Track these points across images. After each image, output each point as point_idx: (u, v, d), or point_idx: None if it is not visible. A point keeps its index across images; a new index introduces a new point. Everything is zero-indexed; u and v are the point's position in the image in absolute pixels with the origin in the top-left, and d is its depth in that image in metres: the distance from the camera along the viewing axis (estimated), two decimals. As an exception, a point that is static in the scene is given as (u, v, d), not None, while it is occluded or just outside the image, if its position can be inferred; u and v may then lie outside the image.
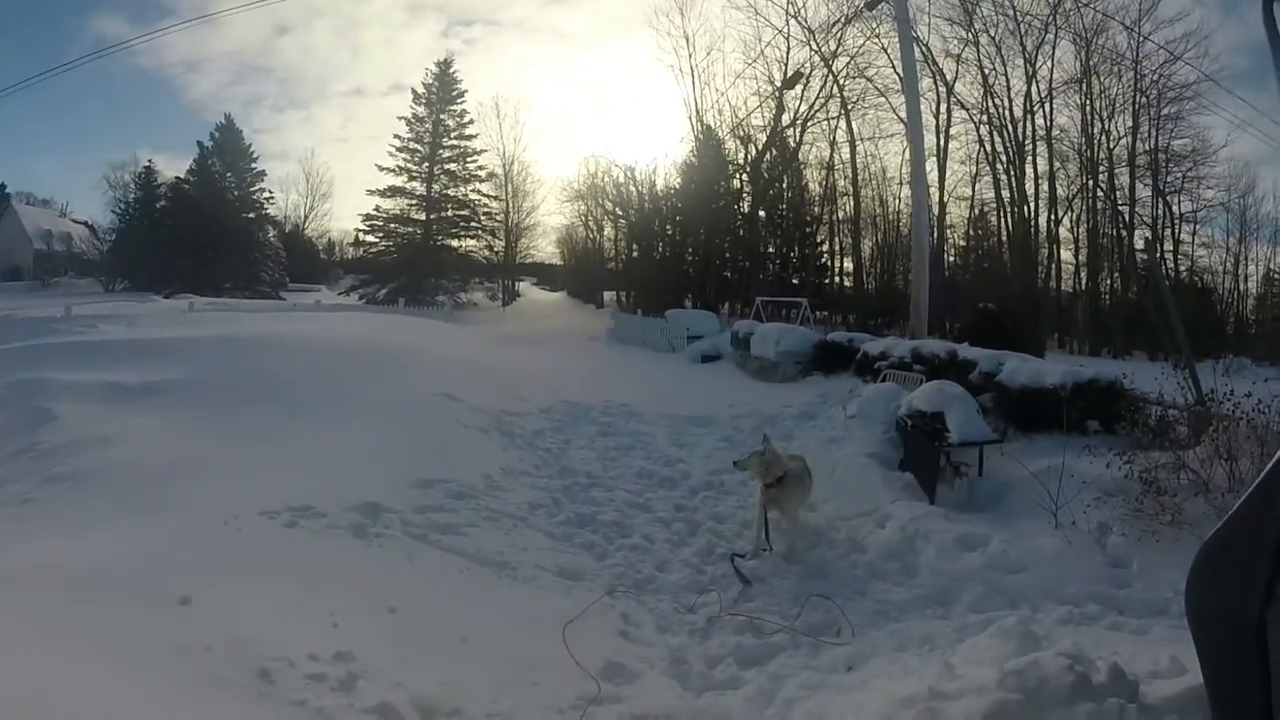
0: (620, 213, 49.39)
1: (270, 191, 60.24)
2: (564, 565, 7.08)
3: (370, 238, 54.47)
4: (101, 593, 4.84)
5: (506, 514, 8.15)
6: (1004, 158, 39.93)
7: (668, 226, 46.10)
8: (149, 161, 58.20)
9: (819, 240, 45.23)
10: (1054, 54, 38.49)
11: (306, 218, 70.05)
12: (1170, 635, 5.14)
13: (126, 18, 76.59)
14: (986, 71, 39.38)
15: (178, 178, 57.19)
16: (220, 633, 4.43)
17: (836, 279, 45.45)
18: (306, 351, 14.68)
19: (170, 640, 4.30)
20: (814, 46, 38.35)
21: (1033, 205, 39.66)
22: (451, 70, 53.77)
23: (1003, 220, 40.86)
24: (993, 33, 38.85)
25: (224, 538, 6.42)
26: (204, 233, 51.12)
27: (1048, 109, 39.28)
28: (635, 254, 48.70)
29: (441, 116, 53.26)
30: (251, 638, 4.46)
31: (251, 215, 57.85)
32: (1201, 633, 1.76)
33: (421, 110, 53.39)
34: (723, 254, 43.56)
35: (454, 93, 53.44)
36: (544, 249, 64.61)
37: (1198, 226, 41.02)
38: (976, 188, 42.06)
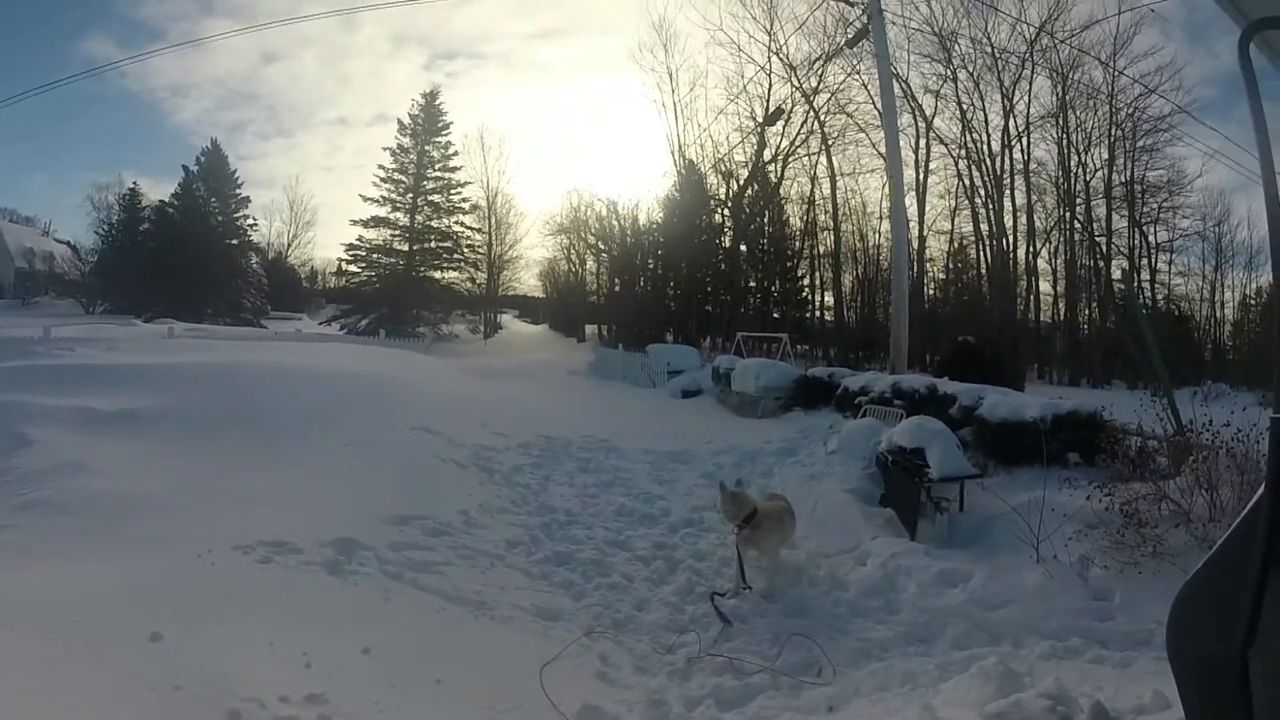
0: (603, 246, 49.70)
1: (254, 218, 60.78)
2: (541, 605, 6.99)
3: (353, 267, 54.44)
4: (69, 628, 4.73)
5: (484, 552, 8.07)
6: (982, 191, 40.55)
7: (650, 260, 46.33)
8: (134, 184, 58.77)
9: (800, 274, 45.63)
10: (1031, 89, 39.29)
11: (289, 245, 70.37)
12: (1154, 668, 5.09)
13: (115, 41, 76.84)
14: (965, 107, 40.09)
15: (162, 201, 57.41)
16: (190, 671, 4.35)
17: (817, 313, 45.79)
18: (285, 382, 14.57)
19: (138, 678, 4.22)
20: (795, 83, 38.83)
21: (1011, 238, 40.34)
22: (437, 102, 54.17)
23: (981, 253, 41.40)
24: (971, 69, 39.59)
25: (197, 572, 6.30)
26: (186, 257, 51.12)
27: (1025, 143, 40.00)
28: (617, 288, 48.88)
29: (426, 148, 53.50)
30: (222, 677, 4.38)
31: (235, 241, 58.03)
32: (1184, 672, 1.73)
33: (406, 141, 53.66)
34: (704, 288, 43.70)
35: (439, 124, 53.71)
36: (526, 282, 64.96)
37: (1174, 255, 42.11)
38: (955, 221, 42.70)
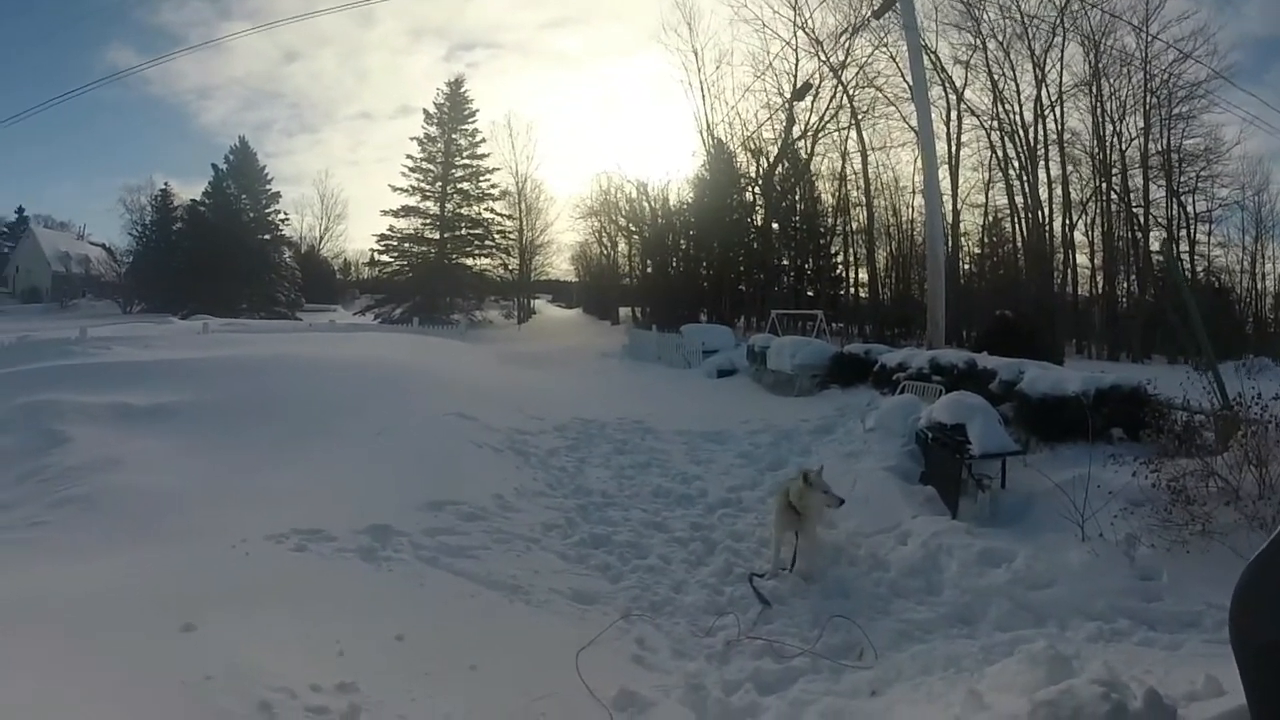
0: (634, 228, 49.48)
1: (285, 213, 61.00)
2: (578, 588, 6.92)
3: (385, 257, 54.71)
4: (103, 620, 4.77)
5: (519, 536, 8.01)
6: (1016, 163, 39.75)
7: (681, 241, 46.09)
8: (165, 184, 59.19)
9: (833, 252, 45.07)
10: (1062, 57, 38.35)
11: (321, 238, 70.77)
12: (1204, 651, 4.92)
13: (136, 49, 77.94)
14: (995, 77, 39.27)
15: (193, 200, 57.99)
16: (222, 661, 4.33)
17: (851, 290, 45.29)
18: (320, 372, 14.65)
19: (170, 669, 4.20)
20: (822, 57, 38.31)
21: (1046, 210, 39.40)
22: (462, 90, 54.14)
23: (1017, 226, 40.62)
24: (1000, 37, 38.69)
25: (230, 562, 6.33)
26: (220, 254, 51.63)
27: (1058, 113, 39.13)
28: (649, 269, 48.69)
29: (453, 136, 53.52)
30: (254, 667, 4.36)
31: (267, 236, 58.48)
32: (1250, 661, 1.62)
33: (433, 130, 53.70)
34: (737, 268, 43.50)
35: (465, 112, 53.72)
36: (558, 266, 64.98)
37: (1213, 226, 40.93)
38: (989, 194, 41.90)
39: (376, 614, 5.67)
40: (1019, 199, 39.84)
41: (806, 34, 38.96)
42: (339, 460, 9.76)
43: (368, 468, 9.50)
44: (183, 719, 3.79)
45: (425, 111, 54.32)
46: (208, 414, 11.37)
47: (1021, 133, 39.24)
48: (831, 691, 5.12)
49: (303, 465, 9.52)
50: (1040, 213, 39.16)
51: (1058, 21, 37.13)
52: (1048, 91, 38.70)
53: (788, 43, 39.51)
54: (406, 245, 53.90)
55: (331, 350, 18.58)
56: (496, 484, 9.49)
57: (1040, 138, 39.19)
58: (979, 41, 38.93)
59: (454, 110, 53.61)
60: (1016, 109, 39.24)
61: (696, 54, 42.29)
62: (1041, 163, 39.34)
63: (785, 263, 44.61)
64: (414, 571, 6.71)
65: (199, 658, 4.35)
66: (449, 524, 7.91)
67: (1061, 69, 38.52)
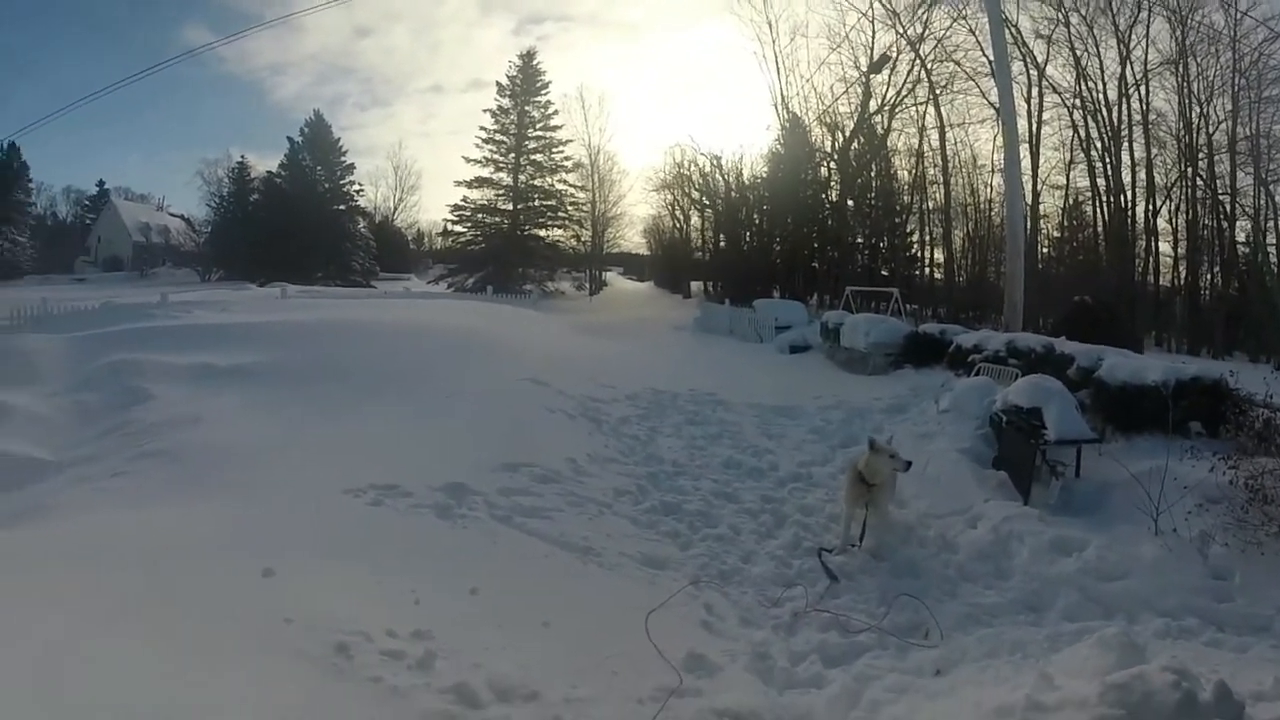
0: (707, 202, 49.12)
1: (360, 184, 61.53)
2: (648, 553, 7.00)
3: (458, 228, 54.99)
4: (184, 565, 4.93)
5: (591, 499, 8.11)
6: (1099, 144, 37.90)
7: (755, 216, 45.52)
8: (241, 158, 60.21)
9: (909, 230, 44.10)
10: (1148, 33, 36.48)
11: (395, 209, 71.50)
12: (1273, 656, 4.90)
13: (210, 28, 79.78)
14: (1078, 53, 37.49)
15: (269, 172, 58.87)
16: (300, 606, 4.48)
17: (926, 270, 44.46)
18: (394, 337, 14.91)
19: (250, 611, 4.36)
20: (899, 29, 37.38)
21: (1129, 194, 37.81)
22: (535, 62, 53.88)
23: (1098, 210, 38.92)
24: (1083, 11, 37.01)
25: (308, 514, 6.53)
26: (296, 224, 52.52)
27: (1143, 92, 37.10)
28: (722, 243, 48.34)
29: (526, 108, 53.42)
30: (331, 612, 4.49)
31: (342, 207, 59.21)
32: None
33: (506, 102, 53.61)
34: (810, 244, 42.78)
35: (537, 84, 53.59)
36: (630, 239, 64.71)
37: (1303, 219, 38.97)
38: (1071, 176, 39.91)
39: (451, 568, 5.80)
40: (1101, 181, 38.19)
41: (883, 5, 37.99)
42: (416, 420, 9.94)
43: (444, 428, 9.65)
44: (261, 657, 3.90)
45: (498, 84, 54.21)
46: (285, 375, 11.65)
47: (1105, 112, 37.46)
48: (896, 668, 5.14)
49: (378, 424, 9.71)
50: (1123, 196, 37.37)
51: (1143, -6, 35.59)
52: (1132, 69, 36.82)
53: (864, 14, 38.47)
54: (480, 216, 54.11)
55: (405, 315, 18.86)
56: (569, 449, 9.60)
57: (1124, 118, 37.35)
58: (1061, 15, 37.10)
59: (526, 82, 53.52)
60: (1100, 87, 37.48)
61: (771, 25, 41.25)
62: (1125, 144, 37.66)
63: (859, 240, 43.66)
64: (488, 529, 6.85)
65: (277, 602, 4.50)
66: (523, 485, 8.04)
67: (1147, 46, 36.57)
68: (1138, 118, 37.08)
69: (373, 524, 6.56)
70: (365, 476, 7.45)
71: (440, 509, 7.03)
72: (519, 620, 5.08)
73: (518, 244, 52.17)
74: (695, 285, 52.30)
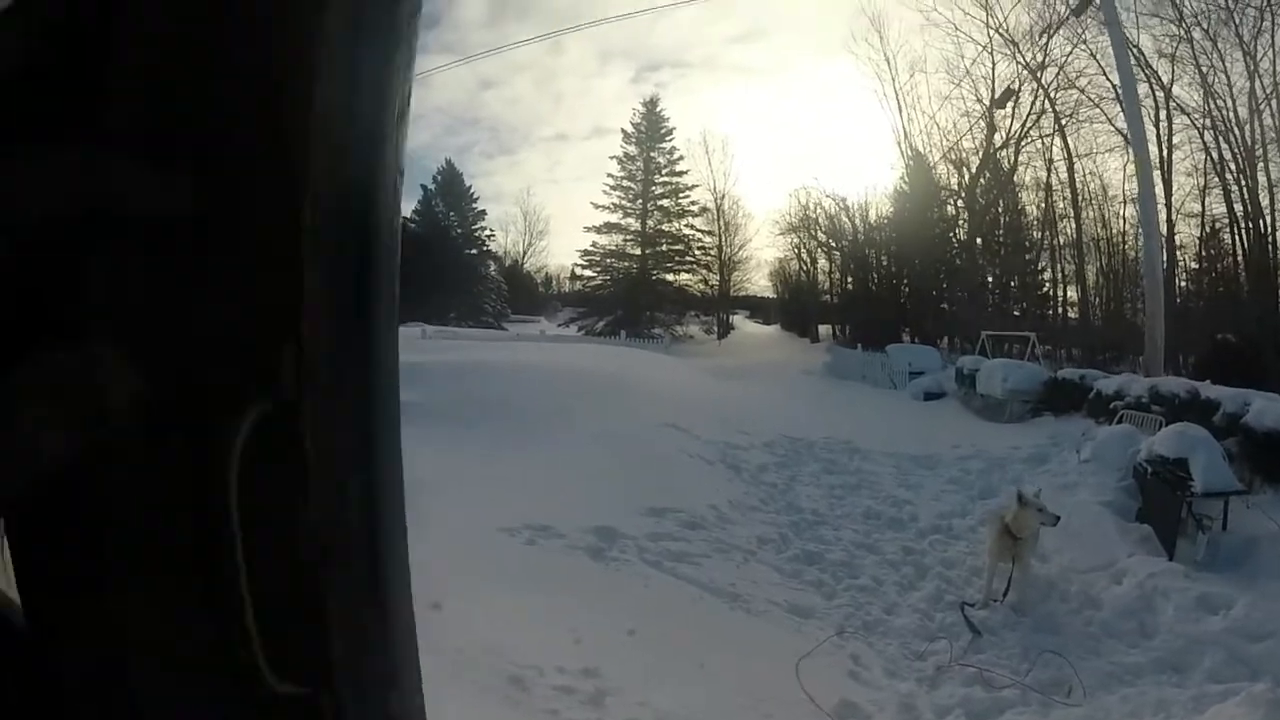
0: (833, 244, 48.85)
1: (491, 229, 63.18)
2: (794, 601, 7.06)
3: (588, 272, 56.26)
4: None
5: (737, 546, 8.22)
6: (1233, 166, 35.93)
7: (882, 257, 45.17)
8: (378, 204, 62.40)
9: (1040, 267, 42.73)
10: (1273, 42, 34.06)
11: (525, 253, 73.08)
12: None
13: None
14: (1204, 70, 35.58)
15: (405, 218, 60.68)
16: (469, 638, 4.69)
17: (1059, 309, 43.03)
18: (534, 378, 15.37)
19: (426, 639, 4.57)
20: (1019, 58, 36.44)
21: (1268, 218, 35.43)
22: (658, 109, 54.78)
23: (1236, 237, 36.57)
24: (1205, 25, 35.17)
25: (467, 551, 6.77)
26: (431, 267, 54.11)
27: (1274, 106, 35.01)
28: (850, 286, 47.98)
29: (651, 154, 54.31)
30: (499, 645, 4.71)
31: (474, 251, 60.91)
32: None
33: (632, 149, 54.62)
34: (939, 284, 42.14)
35: (662, 130, 54.41)
36: (756, 282, 64.52)
37: None
38: (1206, 201, 37.56)
39: (607, 608, 5.98)
40: (1238, 206, 36.06)
41: (1001, 35, 37.14)
42: (560, 461, 10.22)
43: (587, 469, 9.89)
44: (440, 686, 4.12)
45: (623, 131, 55.39)
46: (434, 412, 11.96)
47: (1236, 131, 35.43)
48: (1039, 725, 5.09)
49: (525, 464, 9.99)
50: (1261, 221, 35.08)
51: (1265, 2, 33.61)
52: (1261, 83, 34.43)
53: (983, 47, 37.81)
54: (609, 260, 55.24)
55: (543, 358, 19.35)
56: (711, 495, 9.75)
57: (1257, 136, 35.11)
58: (1182, 30, 35.39)
59: (650, 129, 54.47)
60: (1229, 104, 35.52)
61: (889, 61, 40.76)
62: (1260, 164, 35.43)
63: (990, 280, 42.81)
64: (639, 572, 7.03)
65: (448, 632, 4.67)
66: (670, 530, 8.20)
67: (1275, 56, 34.50)
68: (1271, 135, 34.66)
69: (529, 563, 6.83)
70: (518, 515, 7.72)
71: (592, 551, 7.25)
72: (675, 661, 5.23)
73: (647, 288, 52.83)
74: (823, 329, 51.82)
